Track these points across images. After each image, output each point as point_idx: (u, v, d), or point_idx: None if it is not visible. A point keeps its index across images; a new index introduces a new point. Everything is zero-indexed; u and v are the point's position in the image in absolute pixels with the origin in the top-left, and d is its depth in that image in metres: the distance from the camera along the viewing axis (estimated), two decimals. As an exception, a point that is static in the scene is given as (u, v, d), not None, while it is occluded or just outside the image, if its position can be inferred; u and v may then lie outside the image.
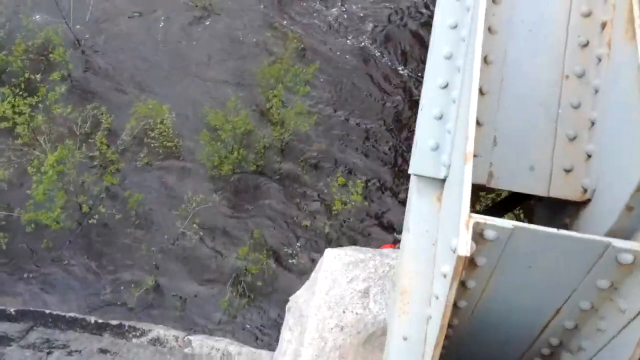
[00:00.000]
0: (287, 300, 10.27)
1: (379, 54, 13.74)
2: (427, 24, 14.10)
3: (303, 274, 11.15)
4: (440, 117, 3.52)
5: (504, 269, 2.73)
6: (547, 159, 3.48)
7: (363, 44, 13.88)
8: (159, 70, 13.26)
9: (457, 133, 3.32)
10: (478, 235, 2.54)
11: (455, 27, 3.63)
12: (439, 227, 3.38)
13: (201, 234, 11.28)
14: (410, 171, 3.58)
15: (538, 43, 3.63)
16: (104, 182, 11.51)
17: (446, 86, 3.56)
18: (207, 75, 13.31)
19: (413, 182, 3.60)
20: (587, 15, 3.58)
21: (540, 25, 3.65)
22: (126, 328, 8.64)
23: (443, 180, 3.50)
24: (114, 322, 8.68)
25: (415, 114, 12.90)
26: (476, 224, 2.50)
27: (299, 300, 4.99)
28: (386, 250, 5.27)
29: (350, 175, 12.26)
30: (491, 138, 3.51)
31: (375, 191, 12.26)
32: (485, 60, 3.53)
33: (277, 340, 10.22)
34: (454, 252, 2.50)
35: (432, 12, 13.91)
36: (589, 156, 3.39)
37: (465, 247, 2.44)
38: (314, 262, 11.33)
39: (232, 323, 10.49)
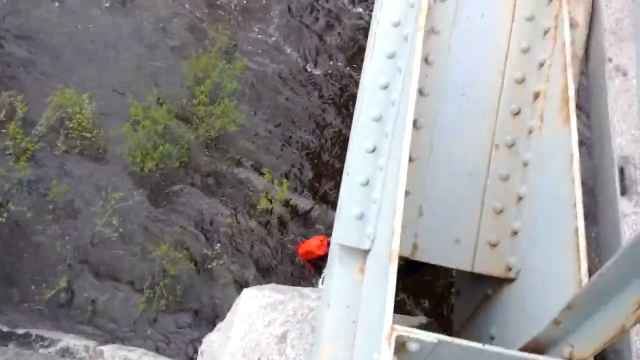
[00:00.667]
0: (203, 309, 10.02)
1: (289, 50, 13.50)
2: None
3: (223, 277, 10.90)
4: (366, 184, 3.34)
5: (425, 374, 2.60)
6: (472, 231, 3.37)
7: (274, 38, 13.59)
8: (81, 57, 12.61)
9: (384, 204, 3.16)
10: (400, 345, 2.40)
11: (386, 87, 3.43)
12: (360, 304, 3.22)
13: (120, 232, 10.82)
14: (333, 240, 3.40)
15: (470, 108, 3.48)
16: (16, 174, 10.87)
17: (373, 150, 3.38)
18: (131, 63, 12.78)
19: (335, 250, 3.42)
20: (520, 81, 3.46)
21: (472, 89, 3.50)
22: (33, 337, 8.20)
23: (367, 250, 3.35)
24: (20, 331, 8.22)
25: (333, 116, 12.65)
26: (399, 337, 2.36)
27: (213, 345, 4.76)
28: (306, 290, 5.10)
29: (276, 174, 12.06)
30: (417, 207, 3.37)
31: (301, 189, 12.11)
32: (415, 124, 3.37)
33: (194, 349, 9.99)
34: None
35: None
36: (515, 233, 3.30)
37: (385, 365, 2.30)
38: (234, 264, 11.09)
39: (147, 329, 10.14)
